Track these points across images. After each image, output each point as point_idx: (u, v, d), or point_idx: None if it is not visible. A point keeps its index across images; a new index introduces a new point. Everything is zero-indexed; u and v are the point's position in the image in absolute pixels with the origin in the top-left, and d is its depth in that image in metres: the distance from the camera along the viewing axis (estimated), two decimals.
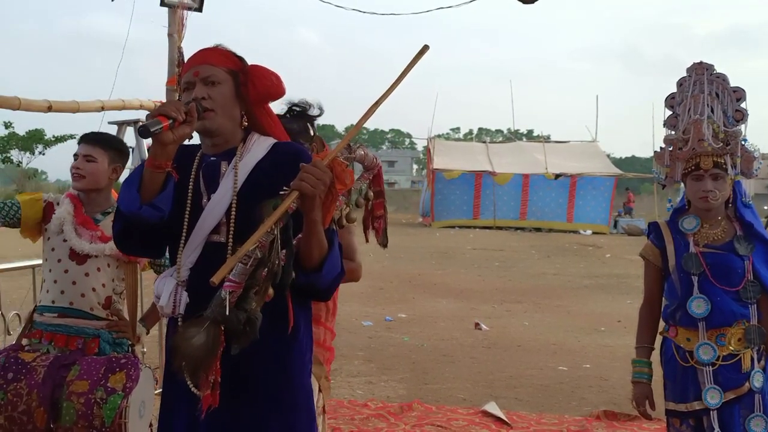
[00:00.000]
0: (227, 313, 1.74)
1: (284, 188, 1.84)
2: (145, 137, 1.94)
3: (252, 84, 2.11)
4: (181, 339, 1.76)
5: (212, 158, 2.13)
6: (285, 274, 1.85)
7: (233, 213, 2.02)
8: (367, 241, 2.21)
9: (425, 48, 2.07)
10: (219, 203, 2.05)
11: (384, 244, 2.18)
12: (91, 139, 3.02)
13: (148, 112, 5.02)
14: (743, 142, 2.75)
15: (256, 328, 1.78)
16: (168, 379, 2.13)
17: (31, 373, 2.74)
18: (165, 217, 2.01)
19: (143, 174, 1.99)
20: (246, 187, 2.05)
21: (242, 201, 2.01)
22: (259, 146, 2.12)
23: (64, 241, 2.90)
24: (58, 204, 3.00)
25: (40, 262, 3.22)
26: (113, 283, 2.96)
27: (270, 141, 2.15)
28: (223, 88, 2.09)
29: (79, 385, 2.73)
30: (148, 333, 3.11)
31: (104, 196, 3.03)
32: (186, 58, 2.22)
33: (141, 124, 1.94)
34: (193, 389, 1.94)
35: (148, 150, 5.55)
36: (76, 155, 2.99)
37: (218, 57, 2.12)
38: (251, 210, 1.90)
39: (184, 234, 2.06)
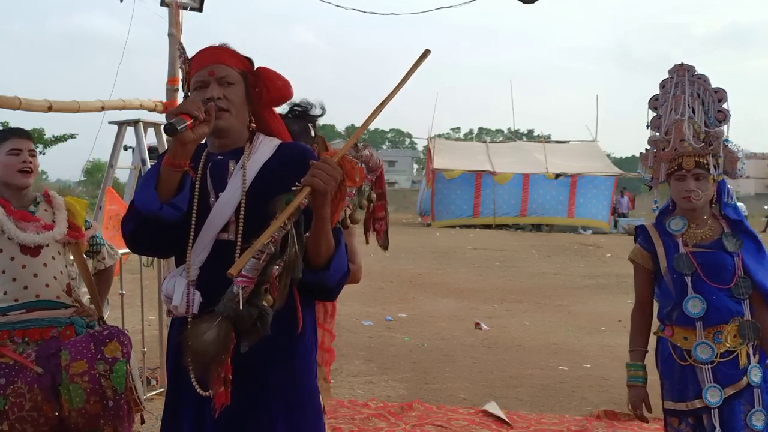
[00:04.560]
0: (240, 308, 1.73)
1: (296, 184, 1.85)
2: (171, 135, 1.90)
3: (266, 87, 2.13)
4: (192, 335, 1.74)
5: (219, 157, 2.13)
6: (294, 271, 1.85)
7: (242, 211, 2.01)
8: (367, 242, 2.21)
9: (426, 52, 2.08)
10: (228, 201, 2.04)
11: (385, 246, 2.19)
12: (24, 133, 2.95)
13: (147, 112, 4.93)
14: (726, 143, 2.76)
15: (267, 325, 1.77)
16: (173, 381, 2.11)
17: (22, 371, 2.72)
18: (182, 217, 2.00)
19: (161, 173, 1.98)
20: (254, 185, 2.05)
21: (251, 199, 2.01)
22: (265, 146, 2.14)
23: (9, 239, 2.83)
24: None
25: None
26: (68, 269, 2.95)
27: (276, 141, 2.17)
28: (237, 89, 2.11)
29: (77, 366, 2.73)
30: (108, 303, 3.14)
31: (31, 188, 2.99)
32: (188, 55, 2.20)
33: (166, 122, 1.91)
34: (198, 390, 1.93)
35: (148, 150, 5.54)
36: (17, 150, 2.88)
37: (231, 57, 2.13)
38: (260, 208, 1.90)
39: (192, 233, 2.04)
